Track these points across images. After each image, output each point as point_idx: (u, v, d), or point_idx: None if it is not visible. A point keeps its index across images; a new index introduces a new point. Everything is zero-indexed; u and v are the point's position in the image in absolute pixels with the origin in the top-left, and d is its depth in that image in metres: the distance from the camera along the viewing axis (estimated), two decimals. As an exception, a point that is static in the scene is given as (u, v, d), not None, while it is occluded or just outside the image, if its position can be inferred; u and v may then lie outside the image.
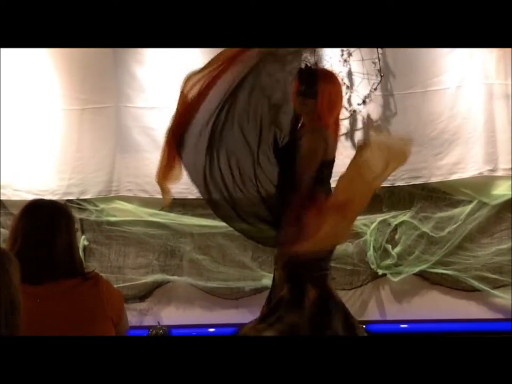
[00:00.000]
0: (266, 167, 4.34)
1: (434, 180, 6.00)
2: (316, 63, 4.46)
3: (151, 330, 5.99)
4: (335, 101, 4.27)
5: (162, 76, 6.12)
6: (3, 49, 5.91)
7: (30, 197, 5.43)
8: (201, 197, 5.83)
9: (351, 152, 5.71)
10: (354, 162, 4.18)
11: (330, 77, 4.30)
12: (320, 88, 4.15)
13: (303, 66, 4.24)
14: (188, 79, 4.13)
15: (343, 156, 5.71)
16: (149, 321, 6.20)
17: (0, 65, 6.03)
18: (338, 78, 4.43)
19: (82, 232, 6.24)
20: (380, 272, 6.06)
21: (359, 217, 5.80)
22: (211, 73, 4.14)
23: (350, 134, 6.03)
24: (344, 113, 5.95)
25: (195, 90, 4.13)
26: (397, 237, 6.08)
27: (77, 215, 6.09)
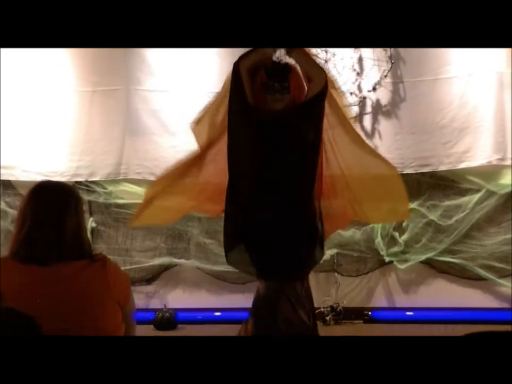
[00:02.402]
0: None
1: (442, 168, 6.02)
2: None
3: (157, 313, 6.02)
4: (302, 92, 4.18)
5: (171, 59, 6.16)
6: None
7: (39, 178, 5.48)
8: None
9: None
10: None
11: (295, 68, 4.21)
12: (292, 82, 4.12)
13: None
14: None
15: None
16: (155, 304, 6.23)
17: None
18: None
19: (90, 214, 6.29)
20: (387, 259, 6.07)
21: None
22: None
23: (359, 119, 6.03)
24: (354, 99, 6.02)
25: None
26: (404, 224, 6.07)
27: (86, 197, 6.15)
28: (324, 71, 4.16)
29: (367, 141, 5.74)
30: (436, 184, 6.07)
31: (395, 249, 6.07)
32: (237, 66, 4.14)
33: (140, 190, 6.19)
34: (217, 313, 6.08)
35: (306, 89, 4.13)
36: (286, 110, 4.08)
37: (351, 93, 5.99)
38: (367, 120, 6.09)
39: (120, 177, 6.24)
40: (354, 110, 6.02)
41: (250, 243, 4.20)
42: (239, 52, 5.78)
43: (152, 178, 6.08)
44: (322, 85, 4.06)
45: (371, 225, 6.02)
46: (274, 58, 4.23)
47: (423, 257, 6.03)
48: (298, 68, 4.20)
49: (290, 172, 4.10)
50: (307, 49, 4.18)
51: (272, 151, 4.08)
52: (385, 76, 5.99)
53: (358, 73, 6.01)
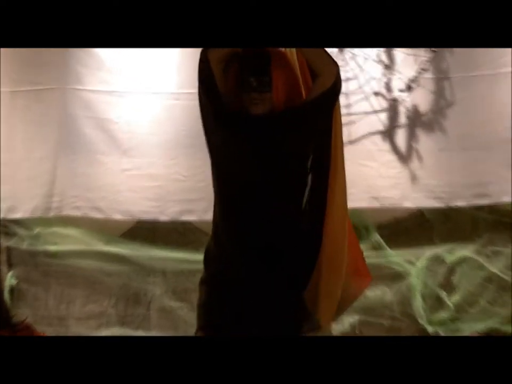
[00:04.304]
0: None
1: (506, 199, 5.24)
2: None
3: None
4: (292, 88, 3.67)
5: (125, 55, 5.41)
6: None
7: None
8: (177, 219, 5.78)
9: (391, 158, 5.22)
10: None
11: (281, 58, 3.71)
12: (276, 76, 3.60)
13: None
14: None
15: (378, 162, 5.24)
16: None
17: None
18: (290, 55, 3.84)
19: (9, 267, 5.55)
20: (430, 329, 5.33)
21: (400, 251, 5.48)
22: None
23: (388, 134, 5.26)
24: (380, 103, 5.32)
25: None
26: (455, 280, 5.37)
27: (3, 241, 5.51)
28: (336, 65, 3.73)
29: (401, 165, 5.32)
30: (498, 223, 5.34)
31: (441, 315, 5.34)
32: (205, 55, 3.67)
33: (80, 233, 5.53)
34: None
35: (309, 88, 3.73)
36: (269, 115, 3.59)
37: (376, 94, 5.19)
38: (400, 134, 5.26)
39: (52, 214, 5.43)
40: (381, 118, 5.24)
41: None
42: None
43: (98, 215, 5.49)
44: (331, 83, 3.62)
45: (407, 281, 5.36)
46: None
47: (481, 327, 5.29)
48: (289, 56, 3.73)
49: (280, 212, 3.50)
50: None
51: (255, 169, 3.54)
52: (424, 70, 5.19)
53: (386, 66, 5.21)
